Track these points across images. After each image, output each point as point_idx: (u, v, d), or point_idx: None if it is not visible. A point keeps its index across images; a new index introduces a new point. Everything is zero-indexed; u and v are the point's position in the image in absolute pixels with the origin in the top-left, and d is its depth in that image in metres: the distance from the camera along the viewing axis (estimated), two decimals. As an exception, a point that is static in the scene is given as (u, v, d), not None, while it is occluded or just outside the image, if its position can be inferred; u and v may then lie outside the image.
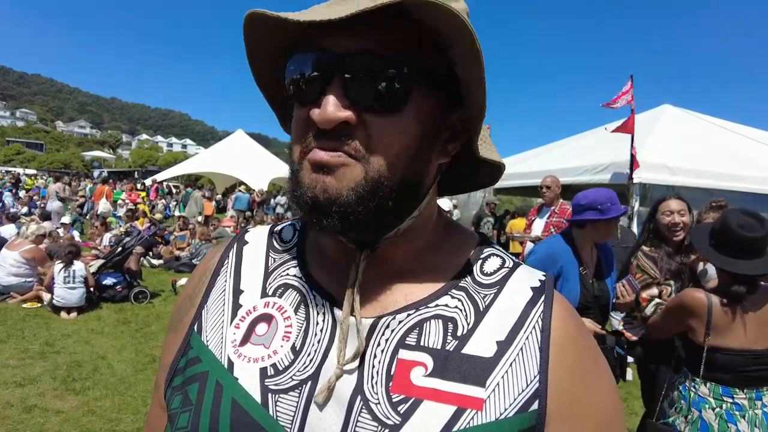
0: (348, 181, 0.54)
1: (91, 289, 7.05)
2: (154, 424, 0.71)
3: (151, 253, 10.47)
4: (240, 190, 17.53)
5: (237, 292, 0.67)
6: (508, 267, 0.65)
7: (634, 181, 6.94)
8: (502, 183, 10.46)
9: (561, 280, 2.75)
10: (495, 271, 0.64)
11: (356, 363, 0.57)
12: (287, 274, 0.67)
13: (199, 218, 13.44)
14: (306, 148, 0.56)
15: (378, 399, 0.55)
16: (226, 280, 0.69)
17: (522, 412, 0.54)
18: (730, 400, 2.30)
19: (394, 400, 0.54)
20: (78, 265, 6.70)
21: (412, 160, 0.57)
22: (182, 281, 8.75)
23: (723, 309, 2.33)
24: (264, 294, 0.66)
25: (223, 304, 0.66)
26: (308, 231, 0.73)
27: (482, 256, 0.66)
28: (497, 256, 0.67)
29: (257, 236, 0.74)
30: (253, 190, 17.90)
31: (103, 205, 14.52)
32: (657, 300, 2.85)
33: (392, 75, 0.53)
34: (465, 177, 0.72)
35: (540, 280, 0.64)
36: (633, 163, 6.72)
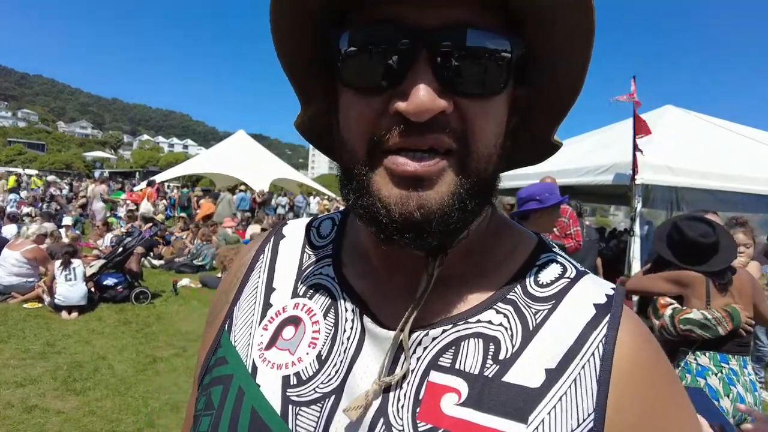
0: (448, 185, 0.46)
1: (92, 289, 7.06)
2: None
3: (152, 254, 10.47)
4: (241, 190, 17.54)
5: (269, 289, 0.63)
6: (569, 277, 0.55)
7: (637, 182, 6.92)
8: (502, 184, 10.44)
9: None
10: (552, 282, 0.54)
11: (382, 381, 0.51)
12: (320, 274, 0.62)
13: (265, 221, 13.65)
14: (380, 143, 0.47)
15: (402, 426, 0.49)
16: (259, 276, 0.65)
17: None
18: (727, 366, 2.62)
19: (420, 429, 0.48)
20: (77, 262, 6.70)
21: (502, 147, 0.51)
22: (183, 282, 8.75)
23: (716, 289, 2.74)
24: (295, 294, 0.61)
25: (255, 303, 0.63)
26: (348, 227, 0.67)
27: (539, 263, 0.57)
28: (557, 263, 0.57)
29: (295, 230, 0.70)
30: (253, 190, 17.89)
31: (144, 206, 14.87)
32: (675, 305, 2.78)
33: (496, 53, 0.46)
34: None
35: (607, 295, 0.53)
36: (635, 163, 6.71)
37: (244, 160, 19.27)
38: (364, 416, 0.50)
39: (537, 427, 0.46)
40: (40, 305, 6.82)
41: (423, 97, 0.43)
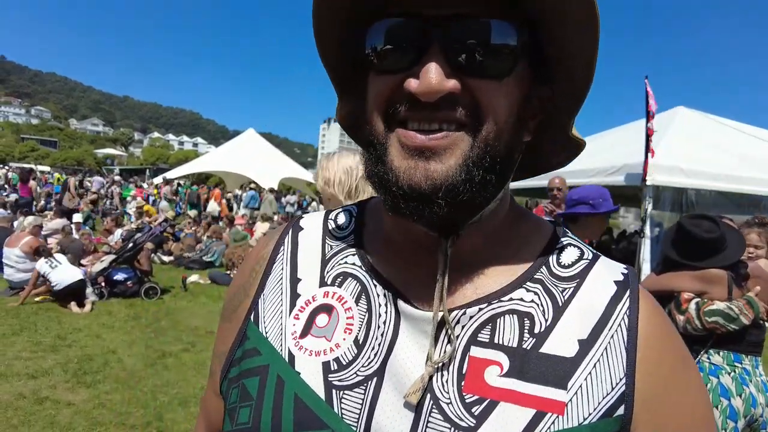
0: (456, 158, 0.50)
1: (102, 283, 7.13)
2: (209, 409, 0.70)
3: (161, 250, 10.55)
4: (251, 188, 17.63)
5: (294, 280, 0.64)
6: (587, 259, 0.60)
7: (648, 183, 6.86)
8: (511, 183, 10.40)
9: None
10: (573, 263, 0.59)
11: (424, 360, 0.53)
12: (346, 263, 0.64)
13: (276, 218, 13.89)
14: (395, 120, 0.52)
15: (450, 399, 0.52)
16: (282, 268, 0.66)
17: (607, 416, 0.50)
18: (740, 366, 2.59)
19: (467, 401, 0.51)
20: (57, 255, 6.80)
21: (513, 130, 0.54)
22: (192, 278, 8.81)
23: (735, 286, 2.68)
24: (323, 283, 0.63)
25: (281, 294, 0.64)
26: (366, 218, 0.69)
27: (558, 247, 0.61)
28: (575, 246, 0.62)
29: (312, 222, 0.72)
30: (263, 188, 17.97)
31: (211, 206, 15.32)
32: (697, 299, 2.74)
33: (501, 39, 0.50)
34: (536, 158, 0.68)
35: (623, 273, 0.59)
36: (646, 165, 6.65)
37: (253, 159, 19.32)
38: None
39: (576, 392, 0.50)
40: (52, 299, 6.89)
41: (432, 78, 0.48)
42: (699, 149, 7.75)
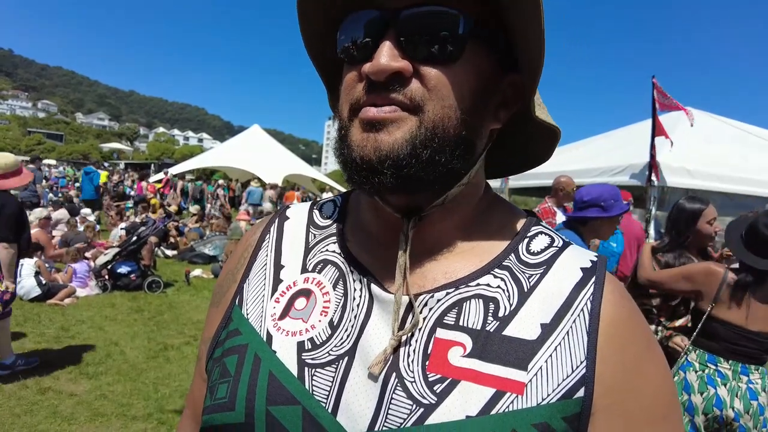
0: (403, 133, 0.53)
1: (106, 276, 7.14)
2: (197, 395, 0.72)
3: (164, 244, 10.58)
4: (253, 184, 17.65)
5: (278, 266, 0.67)
6: (557, 246, 0.62)
7: (653, 184, 6.82)
8: (516, 183, 10.38)
9: None
10: (542, 251, 0.61)
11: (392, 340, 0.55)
12: (327, 250, 0.67)
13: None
14: (356, 104, 0.55)
15: (414, 377, 0.53)
16: (267, 255, 0.69)
17: (566, 398, 0.51)
18: (714, 367, 2.56)
19: (430, 380, 0.53)
20: (27, 261, 6.47)
21: (466, 116, 0.55)
22: (195, 272, 8.84)
23: (732, 288, 2.58)
24: (304, 269, 0.66)
25: (264, 278, 0.67)
26: (349, 207, 0.72)
27: (529, 235, 0.63)
28: (546, 234, 0.64)
29: (298, 212, 0.75)
30: (267, 184, 17.99)
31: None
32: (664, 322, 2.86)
33: (448, 26, 0.53)
34: (515, 152, 0.70)
35: (591, 261, 0.60)
36: (652, 165, 6.61)
37: (258, 155, 19.35)
38: (379, 372, 0.54)
39: (536, 374, 0.52)
40: (75, 299, 6.85)
41: (381, 58, 0.52)
42: (705, 150, 7.70)
